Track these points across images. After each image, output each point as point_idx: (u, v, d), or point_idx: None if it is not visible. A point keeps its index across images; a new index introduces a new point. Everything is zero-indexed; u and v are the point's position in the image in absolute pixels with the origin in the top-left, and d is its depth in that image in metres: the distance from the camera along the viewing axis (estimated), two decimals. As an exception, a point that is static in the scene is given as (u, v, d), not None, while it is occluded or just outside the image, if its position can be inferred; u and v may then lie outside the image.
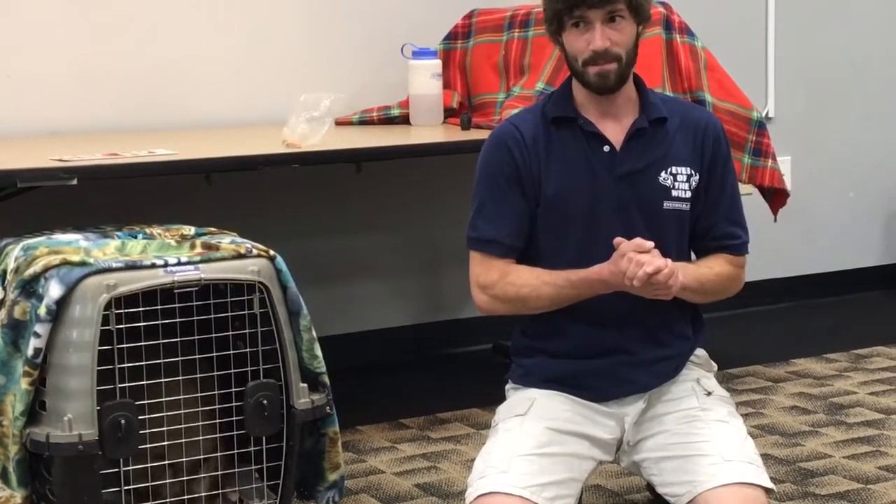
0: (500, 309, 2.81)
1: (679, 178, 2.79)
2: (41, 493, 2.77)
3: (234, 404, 2.82)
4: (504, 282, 2.76)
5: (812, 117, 5.30)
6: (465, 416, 3.91)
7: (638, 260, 2.59)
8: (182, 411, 2.77)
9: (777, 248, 5.06)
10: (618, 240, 2.64)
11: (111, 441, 2.67)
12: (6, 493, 2.73)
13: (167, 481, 2.77)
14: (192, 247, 2.87)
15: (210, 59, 4.25)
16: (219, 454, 2.84)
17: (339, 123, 4.12)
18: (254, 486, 2.88)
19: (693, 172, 2.80)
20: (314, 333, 2.91)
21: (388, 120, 4.26)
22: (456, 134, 4.01)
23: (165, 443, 2.75)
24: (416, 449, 3.64)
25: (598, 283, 2.68)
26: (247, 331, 2.83)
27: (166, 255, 2.80)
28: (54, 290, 2.67)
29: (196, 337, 2.79)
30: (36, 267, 2.73)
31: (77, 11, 4.06)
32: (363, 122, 4.26)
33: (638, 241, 2.62)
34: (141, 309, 2.71)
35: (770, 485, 2.70)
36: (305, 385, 2.88)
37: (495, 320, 2.97)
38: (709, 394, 2.82)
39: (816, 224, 5.36)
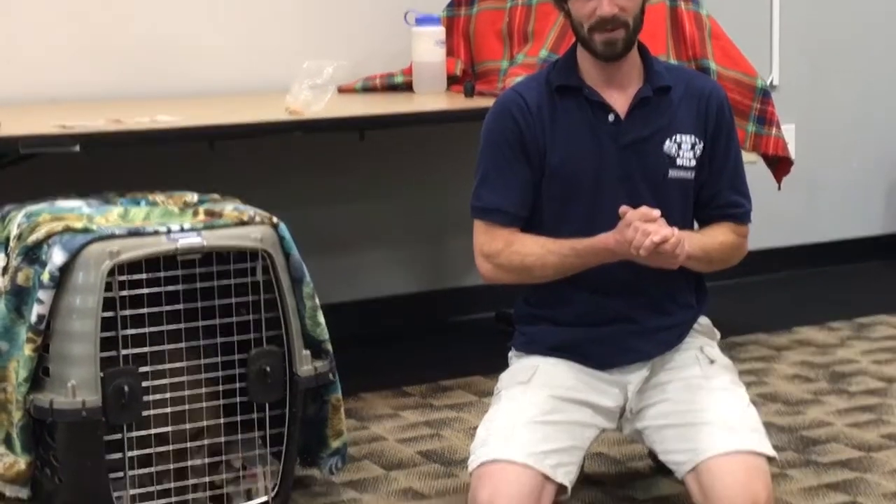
0: (504, 278, 2.80)
1: (683, 146, 2.78)
2: (45, 459, 2.78)
3: (236, 371, 2.83)
4: (508, 251, 2.76)
5: (816, 86, 5.29)
6: (468, 383, 3.92)
7: (644, 229, 2.58)
8: (185, 378, 2.77)
9: (780, 216, 5.06)
10: (624, 209, 2.63)
11: (114, 407, 2.67)
12: (10, 459, 2.74)
13: (170, 448, 2.77)
14: (195, 214, 2.86)
15: (213, 26, 4.24)
16: (221, 421, 2.85)
17: (342, 91, 4.11)
18: (256, 452, 2.89)
19: (697, 141, 2.79)
20: (317, 301, 2.91)
21: (391, 87, 4.24)
22: (459, 101, 4.00)
23: (168, 409, 2.75)
24: (419, 416, 3.65)
25: (603, 252, 2.68)
26: (249, 298, 2.83)
27: (169, 222, 2.79)
28: (57, 257, 2.66)
29: (199, 304, 2.79)
30: (39, 233, 2.73)
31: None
32: (366, 90, 4.24)
33: (644, 209, 2.61)
34: (144, 276, 2.71)
35: (772, 453, 2.71)
36: (308, 352, 2.88)
37: (498, 288, 2.97)
38: (712, 362, 2.83)
39: (820, 193, 5.35)
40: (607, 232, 2.65)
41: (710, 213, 2.84)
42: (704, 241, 2.78)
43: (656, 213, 2.61)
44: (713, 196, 2.82)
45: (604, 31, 2.68)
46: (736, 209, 2.84)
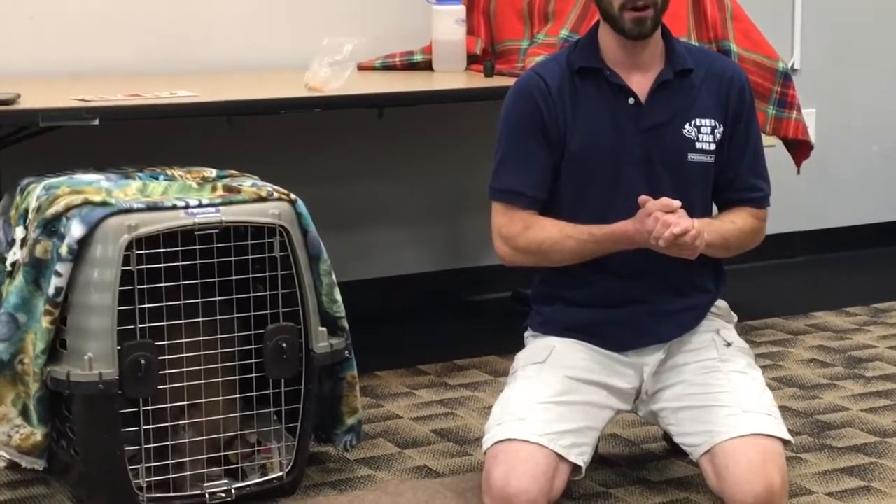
0: (521, 260, 2.80)
1: (703, 129, 2.77)
2: (61, 431, 2.79)
3: (253, 347, 2.83)
4: (526, 234, 2.76)
5: (838, 70, 5.27)
6: (483, 363, 3.92)
7: (665, 220, 2.57)
8: (201, 353, 2.78)
9: (799, 200, 5.05)
10: (643, 198, 2.62)
11: (131, 380, 2.68)
12: (27, 430, 2.75)
13: (185, 422, 2.78)
14: (214, 189, 2.87)
15: (234, 1, 4.23)
16: (237, 396, 2.86)
17: (361, 68, 4.11)
18: (272, 428, 2.90)
19: (717, 124, 2.78)
20: (334, 278, 2.91)
21: (410, 65, 4.24)
22: (479, 81, 3.99)
23: (185, 384, 2.76)
24: (434, 395, 3.65)
25: (622, 239, 2.67)
26: (267, 274, 2.83)
27: (187, 197, 2.80)
28: (76, 230, 2.67)
29: (216, 279, 2.79)
30: (58, 206, 2.73)
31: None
32: (386, 68, 4.24)
33: (665, 200, 2.60)
34: (161, 250, 2.72)
35: (787, 436, 2.71)
36: (324, 329, 2.89)
37: (515, 268, 2.97)
38: (728, 345, 2.82)
39: (839, 177, 5.33)
40: (626, 219, 2.65)
41: (729, 196, 2.83)
42: (723, 229, 2.77)
43: (676, 203, 2.60)
44: (733, 179, 2.81)
45: (634, 10, 2.66)
46: (755, 193, 2.83)
